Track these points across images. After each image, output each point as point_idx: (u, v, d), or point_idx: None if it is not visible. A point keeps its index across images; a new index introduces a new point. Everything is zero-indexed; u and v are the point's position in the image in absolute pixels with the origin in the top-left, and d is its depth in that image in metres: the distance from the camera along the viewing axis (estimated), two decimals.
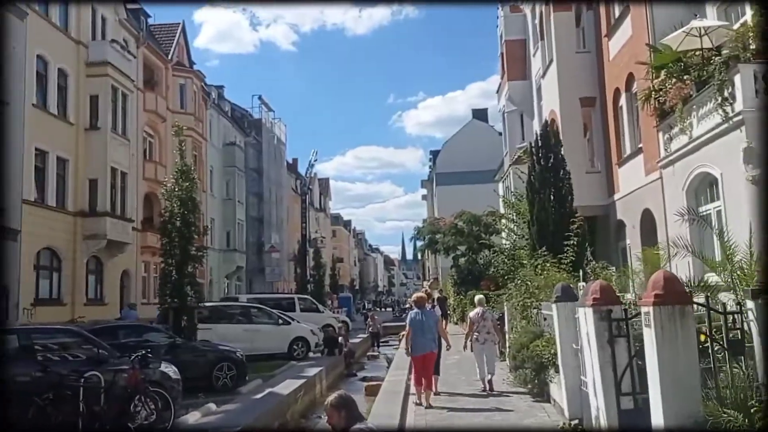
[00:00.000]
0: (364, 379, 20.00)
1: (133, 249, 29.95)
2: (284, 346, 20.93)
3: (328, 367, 18.94)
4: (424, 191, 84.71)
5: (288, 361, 19.86)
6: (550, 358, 9.75)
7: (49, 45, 24.14)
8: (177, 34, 39.02)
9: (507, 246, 21.70)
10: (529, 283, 11.97)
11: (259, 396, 12.95)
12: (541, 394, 10.60)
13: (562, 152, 15.04)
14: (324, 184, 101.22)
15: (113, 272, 28.83)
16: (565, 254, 12.51)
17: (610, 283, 7.12)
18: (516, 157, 28.43)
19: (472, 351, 12.18)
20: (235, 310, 22.27)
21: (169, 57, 36.72)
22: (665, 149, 14.74)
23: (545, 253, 12.57)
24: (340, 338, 22.78)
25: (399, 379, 13.49)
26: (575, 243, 12.77)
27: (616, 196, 18.79)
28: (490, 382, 11.67)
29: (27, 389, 8.59)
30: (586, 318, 6.80)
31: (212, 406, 11.83)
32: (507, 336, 14.50)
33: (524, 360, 10.54)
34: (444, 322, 24.47)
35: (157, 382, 10.28)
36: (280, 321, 21.42)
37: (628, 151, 17.96)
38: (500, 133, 51.81)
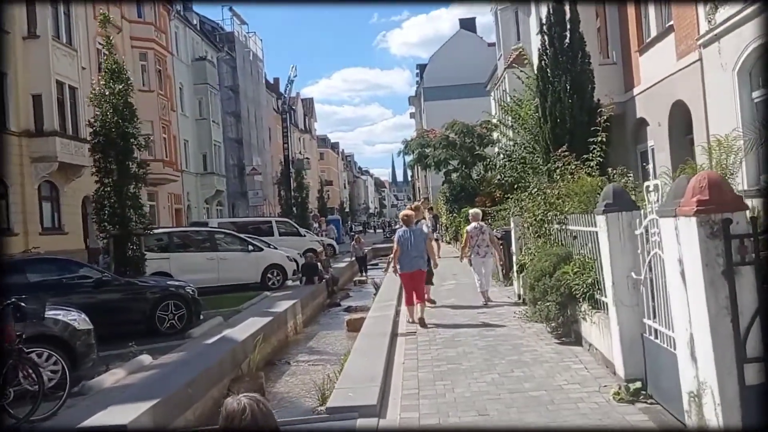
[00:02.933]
0: (348, 309, 17.58)
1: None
2: (256, 275, 18.40)
3: (305, 298, 16.44)
4: (413, 109, 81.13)
5: (261, 292, 17.42)
6: (583, 289, 7.18)
7: None
8: None
9: (504, 156, 19.07)
10: (549, 191, 9.24)
11: (211, 341, 10.42)
12: (568, 334, 8.09)
13: (581, 30, 11.98)
14: (308, 104, 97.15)
15: (72, 198, 25.88)
16: (591, 154, 9.73)
17: (723, 176, 4.37)
18: (513, 58, 25.33)
19: (471, 265, 12.13)
20: (197, 236, 19.56)
21: None
22: (708, 22, 11.84)
23: (566, 153, 9.76)
24: (319, 264, 20.23)
25: (384, 315, 10.98)
26: (602, 141, 9.97)
27: (636, 90, 15.91)
28: (485, 294, 11.69)
29: None
30: (679, 234, 4.10)
31: (145, 358, 9.28)
32: (514, 258, 12.07)
33: (546, 291, 7.95)
34: (436, 245, 22.17)
35: (55, 337, 7.67)
36: (251, 247, 18.78)
37: (653, 34, 14.95)
38: (490, 44, 48.60)
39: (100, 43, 30.09)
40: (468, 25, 66.60)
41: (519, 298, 11.42)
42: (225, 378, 8.97)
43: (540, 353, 7.59)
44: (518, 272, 11.36)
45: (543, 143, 12.03)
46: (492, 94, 34.11)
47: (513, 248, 12.29)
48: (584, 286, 7.13)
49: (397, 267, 10.35)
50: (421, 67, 68.17)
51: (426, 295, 11.51)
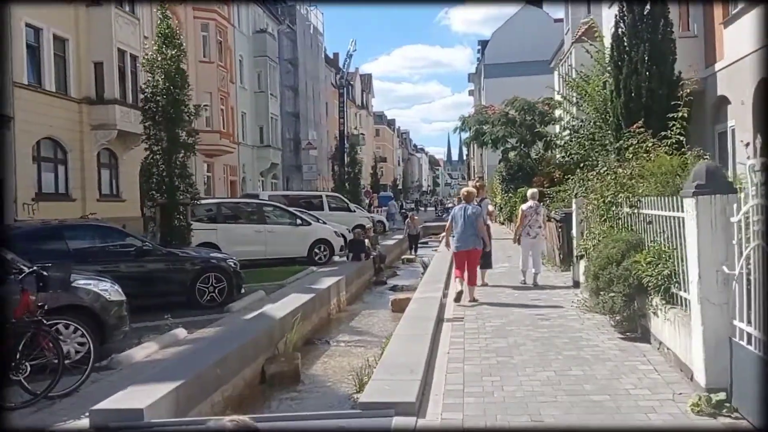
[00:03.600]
0: (394, 288, 17.01)
1: None
2: (303, 249, 18.03)
3: (350, 275, 15.92)
4: (472, 86, 79.40)
5: (307, 267, 17.05)
6: (657, 281, 6.34)
7: None
8: None
9: (571, 132, 18.04)
10: (620, 171, 8.34)
11: (249, 317, 10.00)
12: (634, 330, 7.28)
13: None
14: (366, 80, 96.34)
15: (129, 166, 26.04)
16: (670, 131, 8.73)
17: None
18: (582, 31, 23.99)
19: (519, 244, 12.03)
20: (246, 208, 19.27)
21: None
22: None
23: (641, 129, 8.80)
24: (367, 241, 19.66)
25: (431, 297, 10.31)
26: (683, 117, 8.95)
27: (718, 66, 14.62)
28: (535, 276, 11.54)
29: None
30: None
31: (180, 332, 8.92)
32: (574, 242, 11.21)
33: (612, 281, 7.12)
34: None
35: (84, 308, 7.33)
36: (299, 221, 18.38)
37: (740, 5, 13.65)
38: (557, 20, 46.63)
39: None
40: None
41: (576, 285, 10.62)
42: (260, 357, 8.51)
43: (602, 349, 6.81)
44: (578, 258, 10.52)
45: (614, 119, 11.04)
46: (557, 70, 32.73)
47: (573, 231, 11.43)
48: (659, 277, 6.28)
49: (450, 243, 10.21)
50: (483, 44, 66.36)
51: (482, 280, 11.32)
